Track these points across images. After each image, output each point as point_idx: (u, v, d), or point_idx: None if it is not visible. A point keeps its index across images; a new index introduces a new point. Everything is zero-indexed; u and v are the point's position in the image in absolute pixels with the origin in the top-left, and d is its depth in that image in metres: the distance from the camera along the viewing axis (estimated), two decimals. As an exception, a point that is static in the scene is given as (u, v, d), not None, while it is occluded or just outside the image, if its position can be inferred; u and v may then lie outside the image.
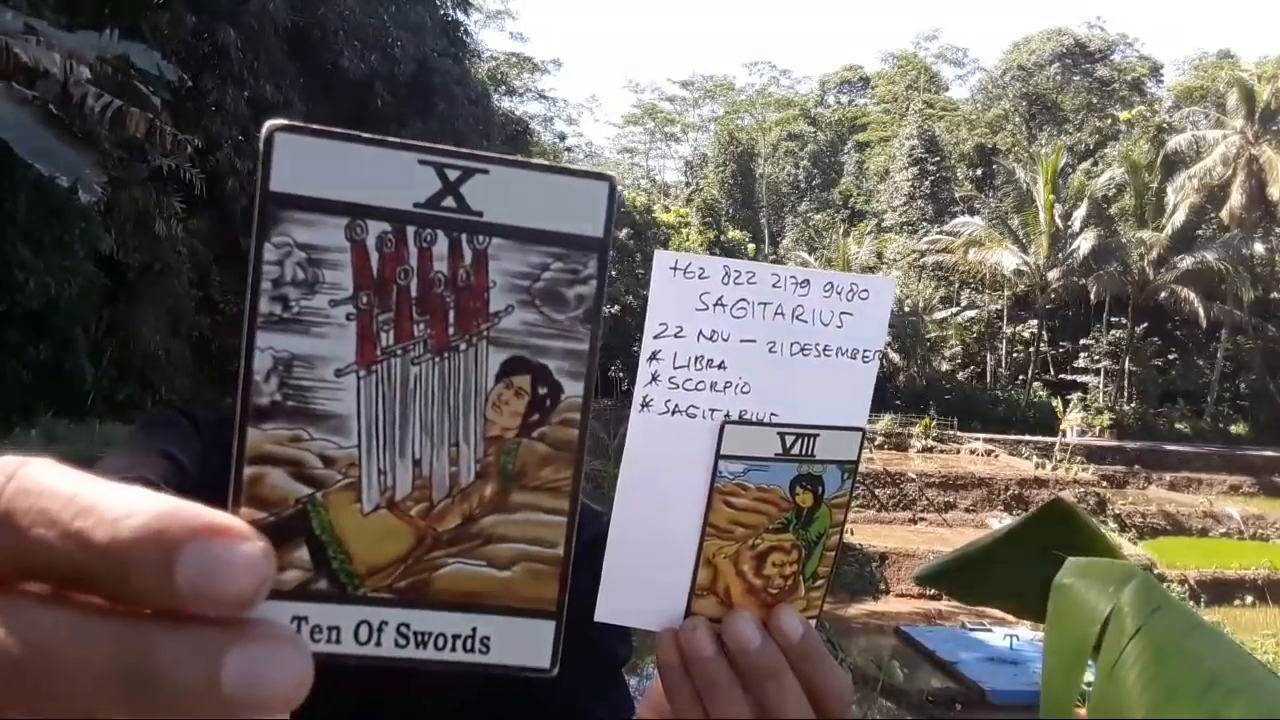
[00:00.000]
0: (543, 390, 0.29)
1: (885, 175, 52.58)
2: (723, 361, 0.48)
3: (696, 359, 0.48)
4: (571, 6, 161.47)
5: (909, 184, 49.18)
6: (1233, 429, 38.44)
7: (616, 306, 31.56)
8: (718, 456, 0.48)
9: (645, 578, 0.48)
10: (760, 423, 0.49)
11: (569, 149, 54.41)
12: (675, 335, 0.47)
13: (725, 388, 0.48)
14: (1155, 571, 21.67)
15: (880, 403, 36.26)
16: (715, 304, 0.48)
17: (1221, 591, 22.28)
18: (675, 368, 0.47)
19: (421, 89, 25.19)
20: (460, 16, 31.00)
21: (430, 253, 0.27)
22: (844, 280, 0.50)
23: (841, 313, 0.50)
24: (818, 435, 0.49)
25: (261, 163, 0.25)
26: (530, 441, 0.29)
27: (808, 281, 0.50)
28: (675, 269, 0.47)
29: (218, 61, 19.75)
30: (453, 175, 0.27)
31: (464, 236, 0.28)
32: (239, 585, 0.22)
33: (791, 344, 0.49)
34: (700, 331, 0.48)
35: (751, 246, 49.99)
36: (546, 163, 0.29)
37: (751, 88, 68.60)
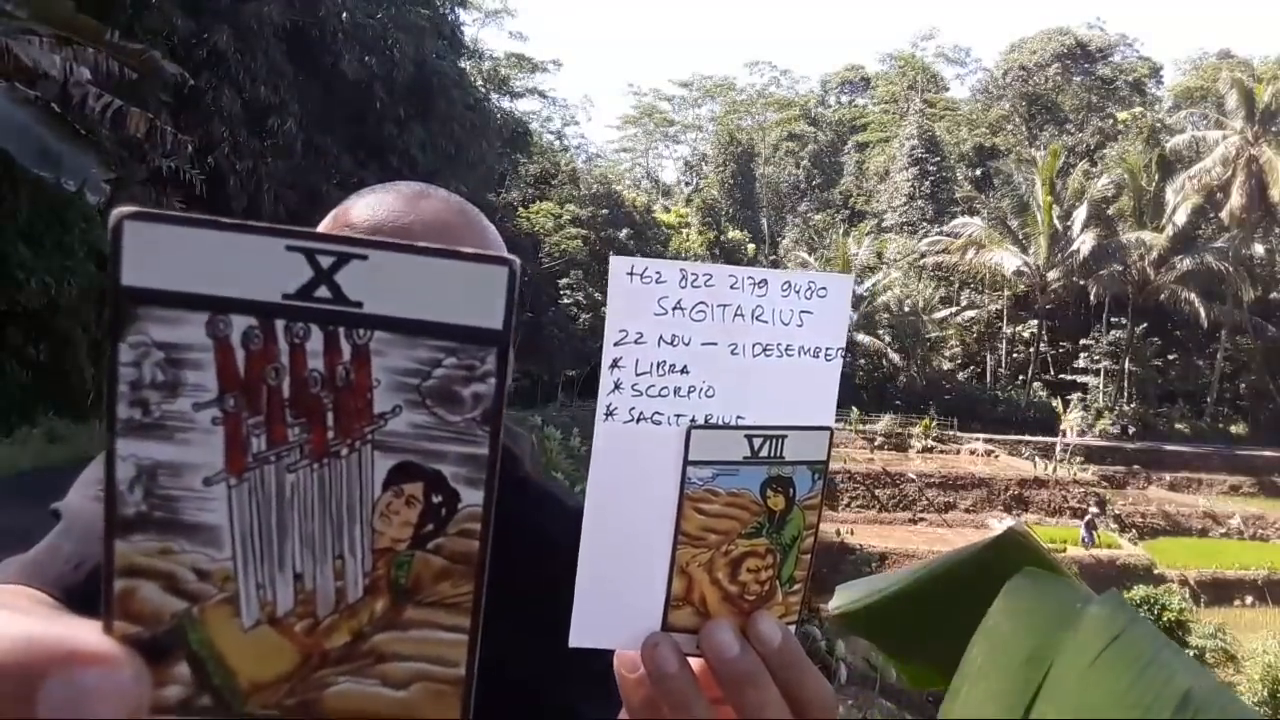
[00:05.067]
0: (437, 499, 0.27)
1: (885, 175, 52.59)
2: (685, 366, 0.48)
3: (658, 365, 0.47)
4: (571, 6, 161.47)
5: (909, 184, 49.19)
6: (1233, 429, 38.44)
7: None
8: (686, 463, 0.47)
9: (619, 592, 0.47)
10: (727, 426, 0.48)
11: (567, 149, 54.40)
12: (635, 342, 0.47)
13: (689, 392, 0.48)
14: (1155, 571, 21.69)
15: (880, 403, 36.27)
16: (674, 308, 0.47)
17: (1221, 591, 22.28)
18: (637, 374, 0.47)
19: (420, 90, 25.18)
20: (459, 16, 30.99)
21: (304, 349, 0.25)
22: (802, 279, 0.50)
23: (801, 311, 0.50)
24: (786, 436, 0.49)
25: (111, 254, 0.24)
26: (425, 554, 0.27)
27: (765, 282, 0.49)
28: (632, 274, 0.47)
29: (215, 63, 19.75)
30: (325, 262, 0.25)
31: (341, 330, 0.25)
32: (107, 714, 0.21)
33: (753, 345, 0.49)
34: (661, 337, 0.47)
35: (751, 247, 49.98)
36: (435, 246, 0.26)
37: (752, 88, 68.62)
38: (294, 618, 0.26)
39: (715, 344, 0.48)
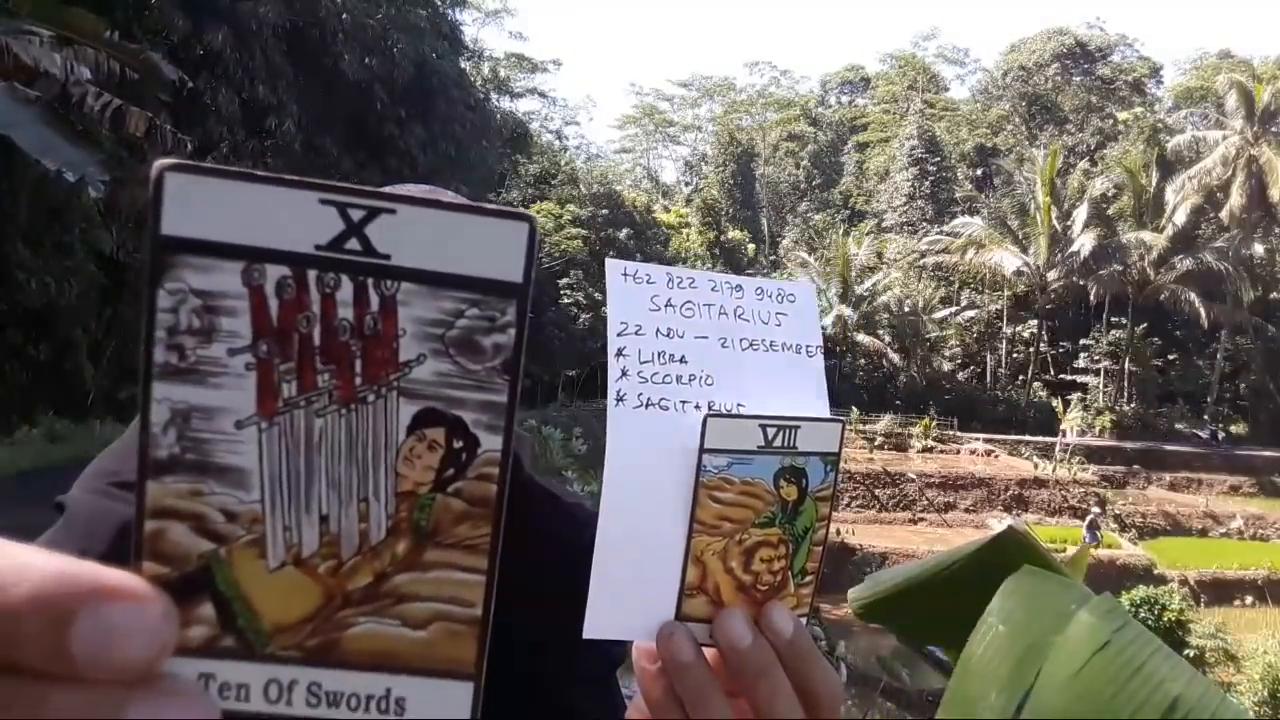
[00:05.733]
0: (458, 444, 0.28)
1: (885, 175, 52.58)
2: (683, 356, 0.50)
3: (659, 354, 0.49)
4: (571, 5, 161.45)
5: (909, 184, 49.19)
6: (1233, 429, 38.44)
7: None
8: (701, 450, 0.48)
9: (634, 580, 0.48)
10: (742, 415, 0.49)
11: (566, 148, 54.38)
12: (636, 333, 0.49)
13: (690, 380, 0.50)
14: (1155, 571, 21.68)
15: (880, 403, 36.25)
16: (665, 305, 0.50)
17: (1221, 591, 22.27)
18: (641, 362, 0.49)
19: (420, 91, 25.17)
20: (458, 16, 30.98)
21: (334, 298, 0.26)
22: (771, 285, 0.54)
23: (776, 313, 0.53)
24: (799, 427, 0.49)
25: (151, 204, 0.25)
26: (445, 497, 0.28)
27: (740, 286, 0.53)
28: (625, 275, 0.50)
29: (213, 63, 19.74)
30: (356, 216, 0.26)
31: (370, 281, 0.26)
32: (136, 651, 0.21)
33: (740, 339, 0.51)
34: (658, 329, 0.50)
35: (751, 247, 49.99)
36: (461, 201, 0.28)
37: (752, 88, 68.63)
38: (318, 559, 0.27)
39: (707, 338, 0.51)
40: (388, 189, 0.93)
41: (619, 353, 0.48)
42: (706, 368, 0.50)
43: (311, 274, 0.26)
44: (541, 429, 18.07)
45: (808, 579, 0.51)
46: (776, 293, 0.53)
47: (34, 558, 0.22)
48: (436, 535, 0.28)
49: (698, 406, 0.49)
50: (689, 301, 0.51)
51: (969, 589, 0.58)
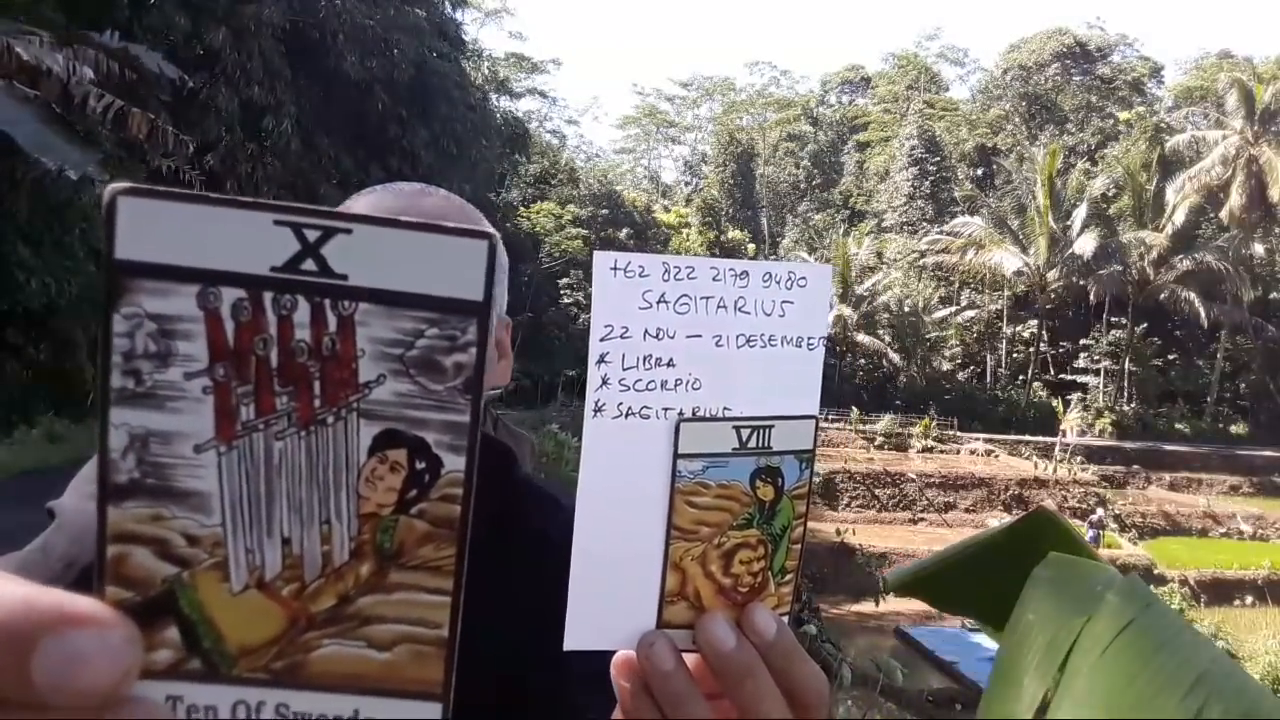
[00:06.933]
0: (421, 465, 0.28)
1: (885, 175, 52.57)
2: (671, 359, 0.48)
3: (645, 359, 0.48)
4: (571, 5, 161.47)
5: (909, 184, 49.18)
6: (1233, 429, 38.44)
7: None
8: (676, 456, 0.47)
9: (613, 591, 0.48)
10: (715, 418, 0.49)
11: (565, 147, 54.36)
12: (621, 336, 0.47)
13: (676, 385, 0.48)
14: (1155, 571, 21.68)
15: (880, 403, 36.25)
16: (658, 301, 0.48)
17: (1221, 591, 22.27)
18: (624, 369, 0.47)
19: (420, 92, 25.15)
20: (458, 16, 30.95)
21: (290, 320, 0.26)
22: (781, 270, 0.51)
23: (783, 302, 0.51)
24: (773, 426, 0.49)
25: (105, 229, 0.25)
26: (408, 519, 0.28)
27: (746, 273, 0.50)
28: (615, 269, 0.47)
29: (212, 63, 19.74)
30: (312, 236, 0.26)
31: (327, 302, 0.26)
32: (100, 677, 0.21)
33: (737, 336, 0.50)
34: (646, 330, 0.48)
35: (752, 247, 49.97)
36: (417, 220, 0.27)
37: (752, 88, 68.64)
38: (281, 582, 0.27)
39: (700, 336, 0.49)
40: (379, 188, 0.94)
41: (601, 359, 0.47)
42: (695, 370, 0.49)
43: (268, 296, 0.26)
44: (558, 434, 17.85)
45: (788, 577, 0.50)
46: (787, 278, 0.51)
47: (1, 587, 0.22)
48: (400, 557, 0.28)
49: (681, 412, 0.48)
50: (685, 295, 0.49)
51: (1002, 563, 0.61)
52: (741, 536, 0.49)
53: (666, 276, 0.48)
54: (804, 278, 0.51)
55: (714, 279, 0.49)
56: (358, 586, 0.28)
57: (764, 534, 0.49)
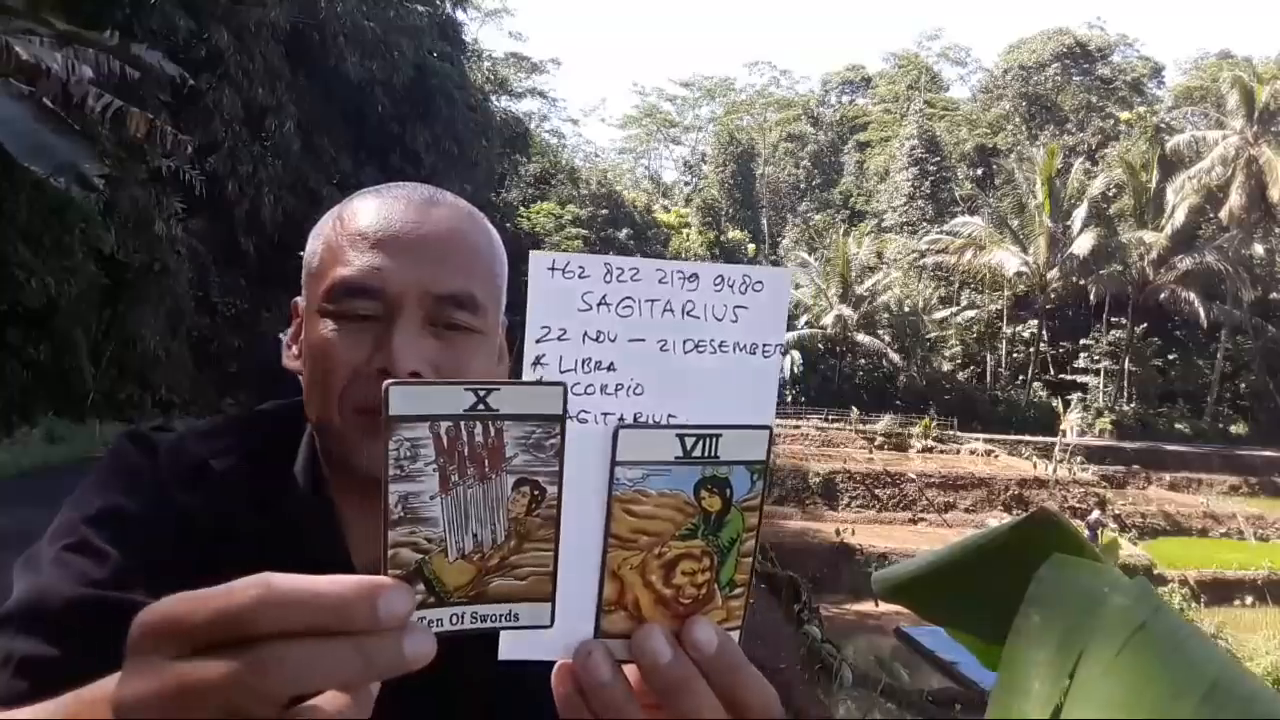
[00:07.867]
0: (536, 494, 0.47)
1: (885, 175, 52.60)
2: (612, 363, 0.47)
3: (584, 362, 0.47)
4: (571, 5, 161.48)
5: (909, 184, 49.21)
6: (1233, 429, 38.46)
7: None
8: (614, 463, 0.47)
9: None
10: (657, 425, 0.48)
11: (566, 148, 54.36)
12: (559, 338, 0.47)
13: (617, 390, 0.48)
14: (1155, 572, 21.65)
15: (880, 403, 36.25)
16: (599, 303, 0.47)
17: (1221, 591, 22.27)
18: (561, 372, 0.47)
19: (421, 92, 25.16)
20: (458, 16, 30.94)
21: (473, 432, 0.45)
22: (736, 272, 0.49)
23: (736, 306, 0.49)
24: (720, 435, 0.48)
25: (384, 400, 0.44)
26: (531, 519, 0.47)
27: (696, 276, 0.49)
28: (553, 269, 0.47)
29: (213, 64, 19.73)
30: (481, 393, 0.45)
31: (490, 423, 0.45)
32: (403, 611, 0.41)
33: (684, 341, 0.48)
34: (585, 333, 0.47)
35: (752, 247, 50.01)
36: (529, 381, 0.47)
37: (752, 88, 68.65)
38: (474, 553, 0.46)
39: (643, 340, 0.48)
40: (384, 187, 0.95)
41: (537, 361, 0.47)
42: (638, 375, 0.48)
43: (463, 423, 0.45)
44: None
45: (737, 591, 0.49)
46: (741, 282, 0.49)
47: (344, 578, 0.41)
48: (528, 538, 0.47)
49: (621, 419, 0.47)
50: (627, 298, 0.47)
51: (999, 569, 0.60)
52: (684, 547, 0.48)
53: (608, 278, 0.47)
54: (760, 282, 0.49)
55: (660, 281, 0.48)
56: (509, 553, 0.47)
57: (710, 545, 0.48)
